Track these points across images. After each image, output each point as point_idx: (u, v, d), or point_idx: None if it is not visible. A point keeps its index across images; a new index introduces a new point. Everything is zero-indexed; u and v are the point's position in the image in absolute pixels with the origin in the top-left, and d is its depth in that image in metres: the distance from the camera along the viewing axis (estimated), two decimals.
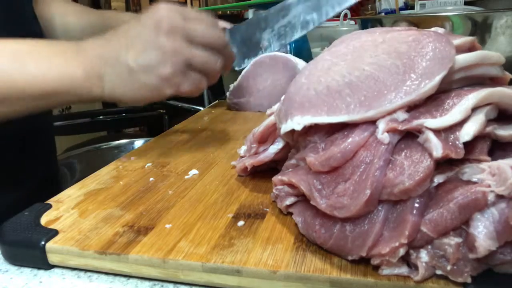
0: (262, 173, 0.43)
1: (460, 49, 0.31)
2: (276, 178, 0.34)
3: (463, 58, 0.29)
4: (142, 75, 0.44)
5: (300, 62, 0.70)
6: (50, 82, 0.43)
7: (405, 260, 0.27)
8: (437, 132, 0.26)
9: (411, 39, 0.31)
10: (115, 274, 0.31)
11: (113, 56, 0.44)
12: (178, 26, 0.45)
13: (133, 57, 0.44)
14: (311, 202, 0.29)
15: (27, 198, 0.41)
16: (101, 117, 1.48)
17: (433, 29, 0.33)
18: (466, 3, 1.03)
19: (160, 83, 0.45)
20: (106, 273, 0.31)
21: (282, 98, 0.36)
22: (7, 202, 0.48)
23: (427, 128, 0.26)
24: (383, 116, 0.28)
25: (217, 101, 0.87)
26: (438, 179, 0.26)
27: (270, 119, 0.40)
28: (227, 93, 0.78)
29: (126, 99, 0.47)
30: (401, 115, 0.28)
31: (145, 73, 0.44)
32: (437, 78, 0.28)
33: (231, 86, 0.77)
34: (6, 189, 0.56)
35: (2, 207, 0.44)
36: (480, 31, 0.59)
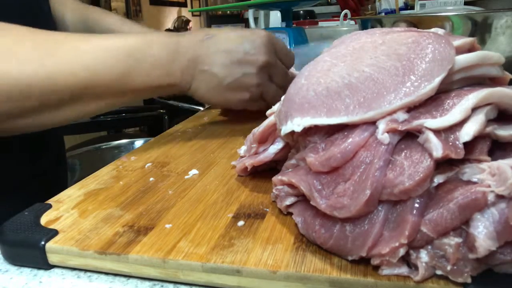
0: (262, 173, 0.43)
1: (460, 50, 0.31)
2: (276, 178, 0.34)
3: (463, 59, 0.29)
4: (225, 91, 0.53)
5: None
6: (157, 79, 0.49)
7: (405, 260, 0.27)
8: (437, 132, 0.26)
9: (410, 40, 0.31)
10: (115, 274, 0.31)
11: (206, 64, 0.51)
12: (270, 65, 0.54)
13: (223, 75, 0.52)
14: (311, 202, 0.29)
15: (35, 197, 0.41)
16: (101, 117, 1.48)
17: (433, 29, 0.33)
18: (466, 3, 1.03)
19: (237, 102, 0.55)
20: (106, 273, 0.31)
21: (282, 98, 0.36)
22: (13, 202, 0.48)
23: (427, 128, 0.26)
24: (382, 117, 0.28)
25: None
26: (438, 179, 0.26)
27: (270, 119, 0.40)
28: None
29: (203, 101, 0.56)
30: (401, 116, 0.28)
31: (228, 91, 0.53)
32: (437, 80, 0.28)
33: None
34: (12, 189, 0.56)
35: (4, 204, 0.45)
36: (480, 31, 0.59)
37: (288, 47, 0.60)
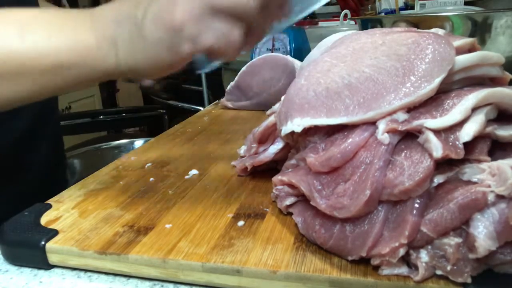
0: (262, 173, 0.43)
1: (460, 51, 0.31)
2: (276, 178, 0.34)
3: (463, 59, 0.29)
4: (152, 28, 0.35)
5: (296, 62, 0.70)
6: (61, 51, 0.37)
7: (405, 260, 0.27)
8: (437, 132, 0.26)
9: (410, 41, 0.31)
10: (115, 274, 0.31)
11: (125, 16, 0.37)
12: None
13: (142, 10, 0.35)
14: (311, 203, 0.29)
15: (33, 196, 0.40)
16: (101, 117, 1.48)
17: (433, 30, 0.33)
18: (466, 3, 1.03)
19: (173, 36, 0.34)
20: (106, 273, 0.31)
21: (282, 98, 0.36)
22: (12, 200, 0.48)
23: (427, 128, 0.26)
24: (382, 117, 0.28)
25: (217, 101, 0.87)
26: (438, 179, 0.26)
27: (270, 119, 0.40)
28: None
29: (142, 67, 0.38)
30: (401, 116, 0.28)
31: (154, 24, 0.35)
32: (437, 81, 0.28)
33: (229, 86, 0.78)
34: (11, 186, 0.56)
35: (4, 204, 0.44)
36: (480, 31, 0.59)
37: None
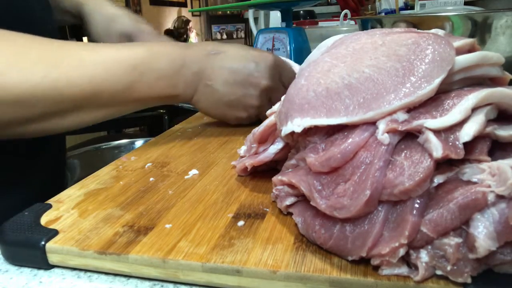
0: (262, 173, 0.43)
1: (460, 51, 0.31)
2: (276, 178, 0.34)
3: (463, 59, 0.29)
4: (224, 107, 0.56)
5: (294, 65, 0.70)
6: (161, 91, 0.50)
7: (405, 260, 0.27)
8: (437, 132, 0.26)
9: (410, 41, 0.31)
10: (115, 274, 0.31)
11: (210, 80, 0.52)
12: (273, 88, 0.55)
13: (225, 93, 0.54)
14: (311, 203, 0.29)
15: (35, 197, 0.41)
16: None
17: (433, 30, 0.33)
18: (466, 3, 1.03)
19: (233, 118, 0.58)
20: (106, 273, 0.31)
21: (282, 98, 0.36)
22: (14, 202, 0.48)
23: (427, 128, 0.26)
24: (382, 117, 0.28)
25: None
26: (438, 179, 0.26)
27: (270, 119, 0.40)
28: None
29: (202, 112, 0.58)
30: (401, 116, 0.28)
31: (227, 107, 0.56)
32: (437, 81, 0.28)
33: None
34: (14, 188, 0.56)
35: (6, 205, 0.45)
36: (480, 31, 0.59)
37: (295, 70, 0.61)
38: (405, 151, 0.27)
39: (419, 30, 0.33)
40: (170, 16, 5.77)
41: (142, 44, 0.52)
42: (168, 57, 0.50)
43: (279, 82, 0.56)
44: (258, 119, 0.58)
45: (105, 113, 0.48)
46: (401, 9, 1.20)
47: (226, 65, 0.53)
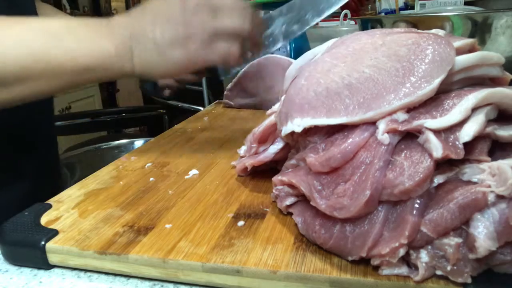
0: (262, 173, 0.43)
1: (461, 51, 0.31)
2: (276, 178, 0.34)
3: (463, 59, 0.29)
4: (169, 50, 0.45)
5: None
6: (85, 57, 0.44)
7: (405, 260, 0.27)
8: (437, 132, 0.26)
9: (410, 42, 0.31)
10: (115, 274, 0.31)
11: (141, 33, 0.45)
12: (203, 1, 0.45)
13: (159, 33, 0.45)
14: (311, 203, 0.29)
15: (27, 197, 0.41)
16: (101, 117, 1.48)
17: (433, 31, 0.33)
18: (466, 3, 1.03)
19: (187, 57, 0.45)
20: (106, 273, 0.31)
21: (282, 98, 0.36)
22: (6, 201, 0.48)
23: (427, 128, 0.26)
24: (382, 117, 0.28)
25: (217, 101, 0.87)
26: (438, 179, 0.26)
27: (270, 119, 0.40)
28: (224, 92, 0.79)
29: (156, 74, 0.48)
30: (401, 116, 0.28)
31: (171, 48, 0.45)
32: (436, 81, 0.28)
33: (230, 84, 0.79)
34: (4, 188, 0.56)
35: (2, 206, 0.45)
36: (480, 31, 0.59)
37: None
38: (405, 151, 0.27)
39: (419, 31, 0.33)
40: None
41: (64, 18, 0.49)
42: (88, 22, 0.46)
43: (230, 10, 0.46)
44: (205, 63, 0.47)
45: (43, 86, 0.44)
46: (401, 9, 1.20)
47: (149, 8, 0.46)
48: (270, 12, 0.59)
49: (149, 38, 0.45)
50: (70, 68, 0.44)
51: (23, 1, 0.58)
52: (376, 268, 0.27)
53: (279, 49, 0.90)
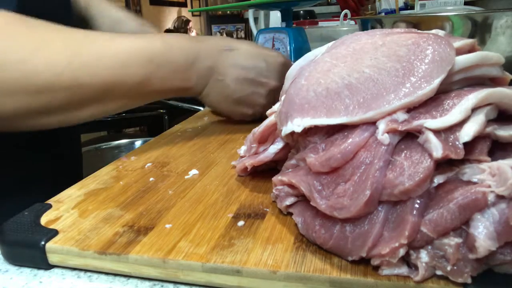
0: (262, 173, 0.43)
1: (461, 51, 0.31)
2: (276, 178, 0.34)
3: (463, 59, 0.29)
4: (232, 104, 0.57)
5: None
6: (175, 84, 0.51)
7: (405, 260, 0.27)
8: (437, 132, 0.26)
9: (410, 42, 0.31)
10: (115, 274, 0.31)
11: (221, 75, 0.54)
12: (280, 88, 0.51)
13: (235, 90, 0.55)
14: (311, 203, 0.29)
15: (46, 196, 0.41)
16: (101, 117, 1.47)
17: (433, 31, 0.33)
18: (466, 3, 1.03)
19: (238, 114, 0.59)
20: (106, 273, 0.31)
21: (282, 98, 0.36)
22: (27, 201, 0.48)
23: (427, 128, 0.26)
24: (382, 117, 0.28)
25: None
26: (438, 179, 0.26)
27: (270, 119, 0.40)
28: None
29: (210, 106, 0.59)
30: (401, 116, 0.28)
31: (235, 104, 0.57)
32: (436, 81, 0.28)
33: None
34: (27, 188, 0.56)
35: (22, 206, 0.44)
36: (480, 31, 0.59)
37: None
38: (405, 151, 0.27)
39: (419, 31, 0.33)
40: (170, 16, 5.77)
41: (158, 35, 0.52)
42: (183, 50, 0.51)
43: None
44: (261, 117, 0.58)
45: (120, 105, 0.49)
46: (401, 9, 1.20)
47: (238, 62, 0.54)
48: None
49: (224, 85, 0.54)
50: (162, 92, 0.51)
51: (54, 9, 0.58)
52: (376, 268, 0.27)
53: (278, 49, 0.90)
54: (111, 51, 0.46)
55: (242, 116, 0.60)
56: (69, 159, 0.68)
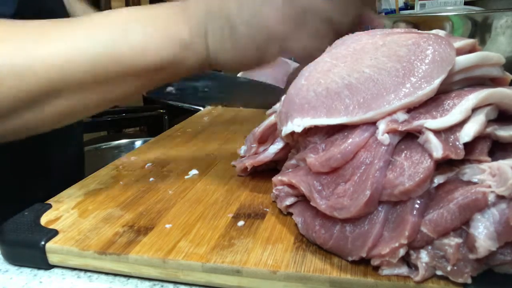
0: (262, 173, 0.43)
1: (461, 52, 0.31)
2: (276, 178, 0.34)
3: (463, 60, 0.29)
4: (245, 28, 0.37)
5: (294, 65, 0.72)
6: (160, 49, 0.37)
7: (405, 260, 0.27)
8: (437, 132, 0.26)
9: (411, 42, 0.31)
10: (115, 274, 0.31)
11: (217, 10, 0.38)
12: None
13: (236, 9, 0.37)
14: (311, 203, 0.29)
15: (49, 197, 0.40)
16: (101, 117, 1.48)
17: (434, 31, 0.33)
18: (466, 3, 1.03)
19: (265, 38, 0.37)
20: (106, 273, 0.31)
21: (282, 98, 0.35)
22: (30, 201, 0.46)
23: (427, 128, 0.26)
24: (382, 117, 0.28)
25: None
26: (438, 179, 0.26)
27: (270, 119, 0.40)
28: None
29: (230, 62, 0.39)
30: (401, 116, 0.28)
31: (248, 25, 0.37)
32: (436, 82, 0.28)
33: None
34: (34, 187, 0.56)
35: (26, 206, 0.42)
36: (480, 31, 0.59)
37: None
38: (405, 152, 0.27)
39: (419, 31, 0.33)
40: None
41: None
42: (156, 7, 0.39)
43: None
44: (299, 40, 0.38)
45: (122, 88, 0.38)
46: (401, 9, 1.20)
47: None
48: None
49: (225, 15, 0.38)
50: (142, 67, 0.37)
51: (53, 8, 0.57)
52: (376, 268, 0.27)
53: None
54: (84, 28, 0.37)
55: (259, 57, 0.39)
56: (71, 159, 0.68)
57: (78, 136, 0.69)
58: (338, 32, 0.37)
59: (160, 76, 0.38)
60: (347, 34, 0.35)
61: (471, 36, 0.59)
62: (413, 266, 0.26)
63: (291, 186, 0.33)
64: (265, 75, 0.74)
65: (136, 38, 0.36)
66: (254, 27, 0.37)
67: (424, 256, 0.26)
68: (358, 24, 0.40)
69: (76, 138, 0.68)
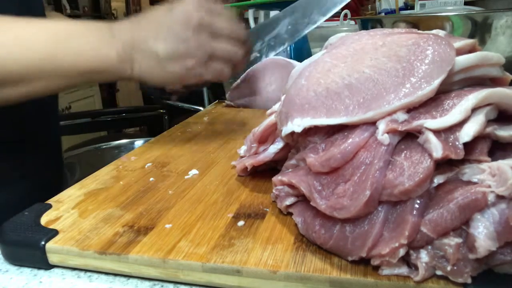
0: (262, 173, 0.43)
1: (461, 52, 0.31)
2: (276, 178, 0.34)
3: (463, 60, 0.29)
4: (168, 64, 0.48)
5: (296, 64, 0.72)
6: (89, 61, 0.46)
7: (405, 260, 0.27)
8: (437, 132, 0.26)
9: (411, 42, 0.31)
10: (115, 274, 0.31)
11: (143, 43, 0.48)
12: (205, 23, 0.48)
13: (162, 47, 0.47)
14: (311, 203, 0.29)
15: (28, 197, 0.41)
16: (101, 117, 1.48)
17: (434, 31, 0.33)
18: (466, 3, 1.03)
19: (184, 72, 0.49)
20: (106, 273, 0.31)
21: (282, 98, 0.36)
22: (7, 200, 0.48)
23: (427, 128, 0.26)
24: (382, 117, 0.28)
25: (217, 101, 0.87)
26: (438, 179, 0.26)
27: (270, 119, 0.40)
28: (228, 92, 0.80)
29: (153, 83, 0.51)
30: (401, 116, 0.28)
31: (171, 62, 0.48)
32: (436, 82, 0.28)
33: (234, 84, 0.79)
34: (8, 187, 0.56)
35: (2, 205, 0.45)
36: (480, 31, 0.59)
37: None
38: (405, 152, 0.27)
39: (419, 31, 0.33)
40: None
41: (67, 21, 0.50)
42: (92, 26, 0.48)
43: (210, 15, 0.49)
44: (216, 63, 0.50)
45: (42, 86, 0.46)
46: (401, 9, 1.20)
47: (152, 21, 0.49)
48: (276, 13, 0.60)
49: (150, 49, 0.48)
50: (76, 70, 0.46)
51: (34, 5, 0.59)
52: (376, 268, 0.27)
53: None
54: (22, 32, 0.45)
55: (189, 71, 0.49)
56: (50, 158, 0.68)
57: (53, 141, 0.69)
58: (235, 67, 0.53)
59: (91, 78, 0.48)
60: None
61: (471, 36, 0.59)
62: (413, 266, 0.26)
63: (291, 186, 0.33)
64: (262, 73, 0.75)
65: (74, 49, 0.46)
66: (178, 65, 0.48)
67: (424, 256, 0.26)
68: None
69: (50, 143, 0.68)
